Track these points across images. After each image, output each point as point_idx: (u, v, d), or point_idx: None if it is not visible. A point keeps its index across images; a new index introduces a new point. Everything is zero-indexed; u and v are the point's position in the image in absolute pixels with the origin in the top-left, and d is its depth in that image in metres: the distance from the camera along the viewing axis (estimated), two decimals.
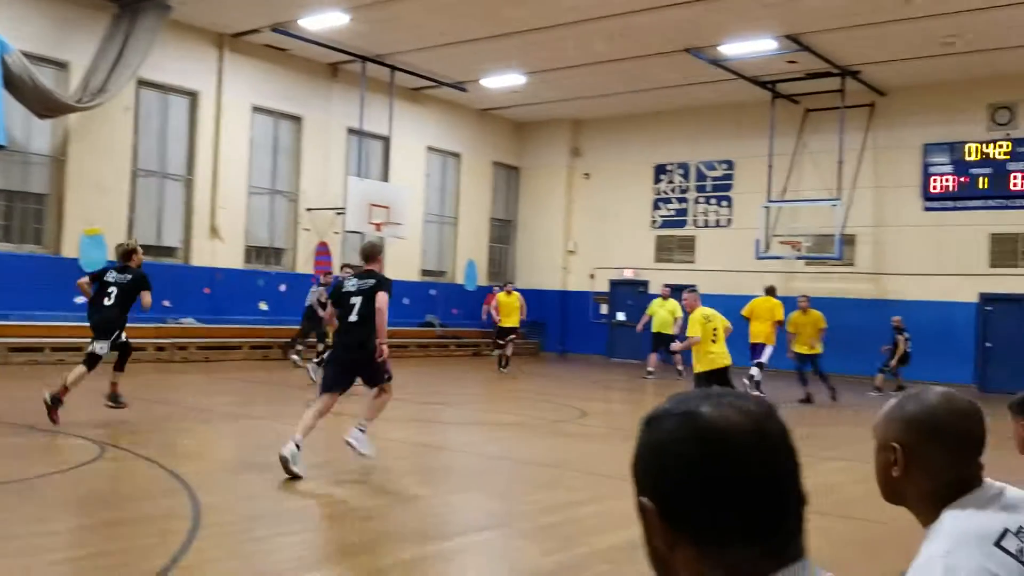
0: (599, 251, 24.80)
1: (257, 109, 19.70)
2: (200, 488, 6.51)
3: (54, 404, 8.82)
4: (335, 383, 7.61)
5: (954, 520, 1.70)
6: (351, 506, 6.52)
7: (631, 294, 24.14)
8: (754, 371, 14.89)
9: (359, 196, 19.68)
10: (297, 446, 6.99)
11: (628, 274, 24.30)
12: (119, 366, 9.69)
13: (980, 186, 19.43)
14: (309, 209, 20.52)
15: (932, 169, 20.05)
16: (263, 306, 19.49)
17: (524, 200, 26.29)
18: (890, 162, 20.66)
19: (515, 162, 26.14)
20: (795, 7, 15.79)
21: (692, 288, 11.37)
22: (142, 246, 17.13)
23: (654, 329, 18.56)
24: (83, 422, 9.07)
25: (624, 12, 16.26)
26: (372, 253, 7.96)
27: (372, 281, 7.57)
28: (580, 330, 24.96)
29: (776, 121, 21.17)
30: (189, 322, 17.97)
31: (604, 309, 24.82)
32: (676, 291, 19.23)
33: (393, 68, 20.59)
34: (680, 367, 18.58)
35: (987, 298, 19.44)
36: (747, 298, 16.46)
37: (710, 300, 20.59)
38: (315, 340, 16.21)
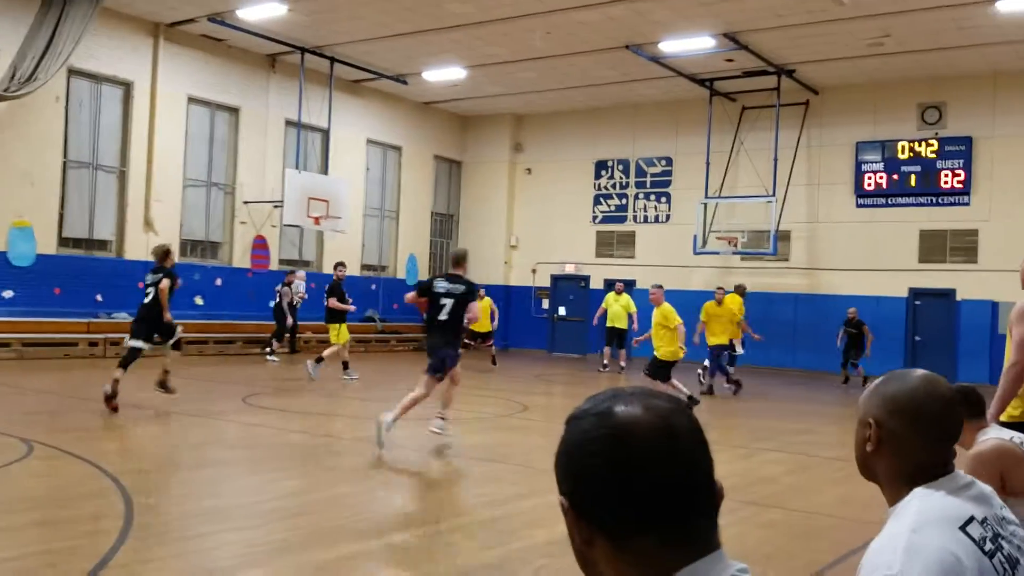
0: (541, 246, 24.88)
1: (193, 100, 19.35)
2: (133, 486, 6.39)
3: (112, 396, 9.67)
4: (433, 369, 8.85)
5: (923, 500, 1.72)
6: (286, 503, 6.46)
7: (573, 289, 24.29)
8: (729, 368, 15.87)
9: (297, 189, 19.46)
10: (393, 420, 8.28)
11: (570, 269, 24.43)
12: (165, 364, 10.45)
13: (910, 184, 19.94)
14: (246, 202, 20.23)
15: (864, 167, 20.52)
16: (199, 301, 19.15)
17: (466, 194, 26.25)
18: (824, 159, 21.09)
19: (457, 156, 26.08)
20: (732, 6, 16.01)
21: (658, 285, 13.24)
22: (72, 239, 16.78)
23: (608, 323, 18.80)
24: (12, 418, 8.83)
25: (565, 8, 16.33)
26: (461, 259, 9.16)
27: (463, 288, 8.81)
28: (522, 325, 25.02)
29: (714, 118, 21.47)
30: (123, 317, 17.58)
31: (546, 304, 24.92)
32: (613, 285, 19.44)
33: (332, 60, 20.39)
34: (623, 362, 18.84)
35: (916, 293, 19.98)
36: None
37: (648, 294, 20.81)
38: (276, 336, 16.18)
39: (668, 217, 23.17)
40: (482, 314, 19.10)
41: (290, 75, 20.53)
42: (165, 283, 10.06)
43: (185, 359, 17.06)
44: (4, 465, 7.11)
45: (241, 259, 20.17)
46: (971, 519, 1.67)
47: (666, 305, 12.95)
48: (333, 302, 14.91)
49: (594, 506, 1.09)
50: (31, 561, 4.80)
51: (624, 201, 23.89)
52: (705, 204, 21.36)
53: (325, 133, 21.72)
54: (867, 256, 20.30)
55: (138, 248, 18.29)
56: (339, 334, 14.79)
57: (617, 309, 18.71)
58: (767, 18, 16.52)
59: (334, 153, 22.04)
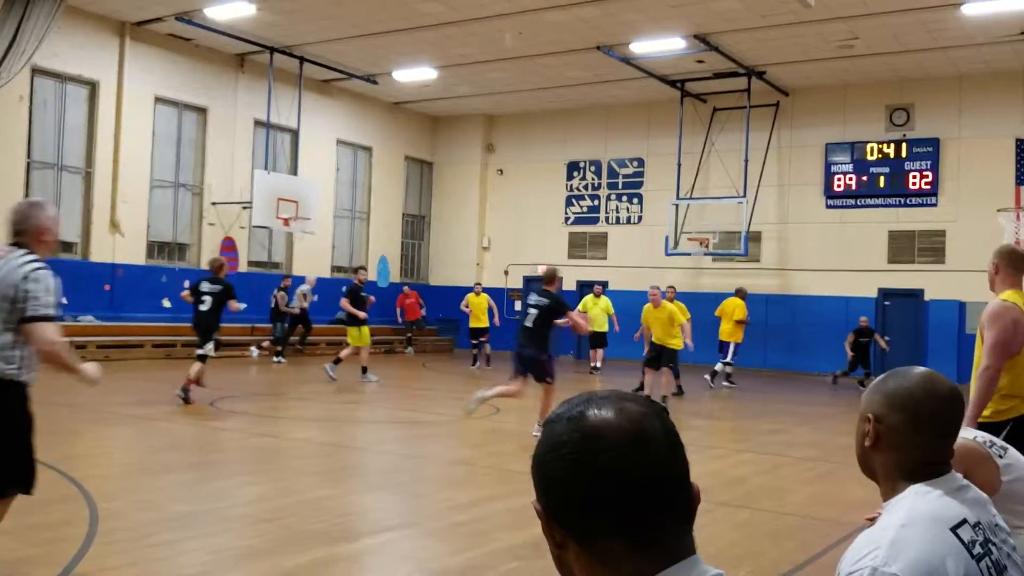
0: (513, 247, 24.84)
1: (160, 100, 19.12)
2: (97, 493, 6.26)
3: (185, 394, 10.94)
4: (519, 371, 9.84)
5: (917, 498, 1.72)
6: (254, 509, 6.36)
7: None
8: (719, 366, 16.57)
9: (266, 190, 19.30)
10: (481, 400, 9.67)
11: (542, 270, 24.34)
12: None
13: (879, 185, 20.13)
14: (214, 203, 20.01)
15: (834, 168, 20.69)
16: (166, 303, 18.92)
17: (437, 195, 26.15)
18: (794, 161, 21.23)
19: (428, 157, 25.97)
20: (703, 8, 16.07)
21: (656, 287, 14.19)
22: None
23: (590, 327, 18.79)
24: None
25: (536, 8, 16.31)
26: (551, 278, 10.37)
27: (547, 301, 9.89)
28: (494, 326, 24.93)
29: (685, 120, 21.55)
30: (88, 320, 17.35)
31: (518, 305, 24.85)
32: (592, 288, 19.42)
33: (302, 59, 20.24)
34: (598, 363, 18.85)
35: (885, 293, 20.16)
36: None
37: (622, 296, 20.91)
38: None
39: (640, 218, 23.22)
40: (480, 310, 19.37)
41: (259, 75, 20.35)
42: (236, 304, 11.22)
43: (154, 363, 16.86)
44: None
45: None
46: (963, 522, 1.66)
47: (670, 304, 13.93)
48: (344, 303, 15.18)
49: (564, 509, 1.09)
50: None
51: (596, 202, 23.91)
52: (677, 205, 21.42)
53: (294, 133, 21.54)
54: (837, 257, 20.46)
55: (104, 250, 18.03)
56: (359, 337, 14.95)
57: (597, 312, 18.64)
58: (736, 20, 16.59)
59: (303, 154, 21.87)
